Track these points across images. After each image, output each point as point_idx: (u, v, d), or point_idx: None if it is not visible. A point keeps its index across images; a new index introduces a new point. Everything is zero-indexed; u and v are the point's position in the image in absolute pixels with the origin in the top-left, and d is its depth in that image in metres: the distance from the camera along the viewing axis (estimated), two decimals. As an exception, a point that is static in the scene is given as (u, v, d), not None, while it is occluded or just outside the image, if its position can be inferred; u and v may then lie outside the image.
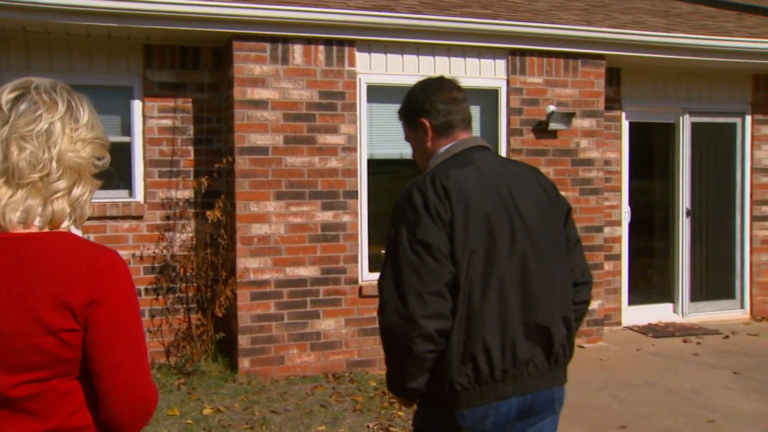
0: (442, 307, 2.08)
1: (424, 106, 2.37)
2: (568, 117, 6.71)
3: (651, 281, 8.12)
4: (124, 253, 5.88)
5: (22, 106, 1.47)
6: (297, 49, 5.99)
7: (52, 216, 1.46)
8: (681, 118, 7.93)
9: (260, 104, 5.90)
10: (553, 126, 6.70)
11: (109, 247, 1.53)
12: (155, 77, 6.14)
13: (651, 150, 8.13)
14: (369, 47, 6.24)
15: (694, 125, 7.99)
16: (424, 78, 2.49)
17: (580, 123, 6.92)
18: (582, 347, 6.90)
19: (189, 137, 6.22)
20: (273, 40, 5.91)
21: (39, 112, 1.47)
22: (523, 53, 6.69)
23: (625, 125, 7.72)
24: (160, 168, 6.16)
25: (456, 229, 2.11)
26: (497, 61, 6.66)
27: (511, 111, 6.69)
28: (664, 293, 8.07)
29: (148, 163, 6.14)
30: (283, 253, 6.00)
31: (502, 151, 6.70)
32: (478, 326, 2.11)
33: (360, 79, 6.20)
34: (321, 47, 6.05)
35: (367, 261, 6.26)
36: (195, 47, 6.21)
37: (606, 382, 5.80)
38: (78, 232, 1.57)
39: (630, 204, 7.79)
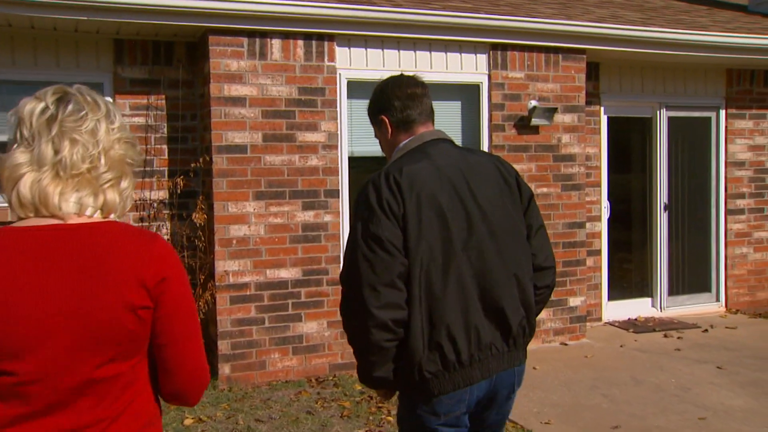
0: (396, 298, 2.18)
1: (384, 104, 2.49)
2: (550, 112, 6.63)
3: (630, 276, 8.12)
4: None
5: (70, 107, 1.56)
6: (275, 44, 5.79)
7: (104, 205, 1.57)
8: (658, 113, 7.93)
9: (238, 101, 5.69)
10: (535, 121, 6.62)
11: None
12: (126, 73, 5.88)
13: (628, 144, 8.11)
14: (349, 42, 6.07)
15: (670, 119, 8.00)
16: (387, 76, 2.60)
17: (562, 118, 6.85)
18: (566, 345, 6.85)
19: (163, 136, 5.98)
20: (250, 34, 5.70)
21: (84, 111, 1.56)
22: (504, 48, 6.59)
23: (604, 120, 7.68)
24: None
25: (409, 222, 2.21)
26: (478, 55, 6.55)
27: (492, 106, 6.59)
28: (643, 288, 8.08)
29: (120, 163, 5.88)
30: (263, 255, 5.80)
31: (484, 148, 6.60)
32: (441, 315, 2.21)
33: (340, 74, 6.03)
34: (300, 42, 5.86)
35: (350, 261, 6.10)
36: (168, 42, 5.97)
37: (594, 381, 5.74)
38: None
39: (609, 199, 7.76)
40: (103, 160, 1.56)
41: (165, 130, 5.99)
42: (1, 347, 1.42)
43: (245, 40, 5.69)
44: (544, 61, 6.76)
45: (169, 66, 5.99)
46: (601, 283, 7.71)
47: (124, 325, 1.48)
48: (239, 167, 5.71)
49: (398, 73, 2.68)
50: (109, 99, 1.81)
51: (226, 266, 5.70)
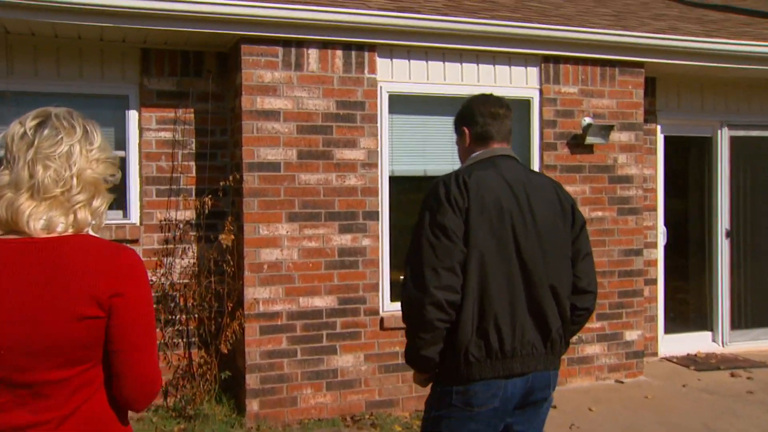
0: (453, 281, 2.37)
1: (468, 117, 2.75)
2: (606, 130, 6.13)
3: (688, 308, 7.53)
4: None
5: (45, 132, 1.68)
6: (312, 54, 5.38)
7: (76, 224, 1.68)
8: (719, 132, 7.37)
9: (271, 115, 5.28)
10: (590, 140, 6.12)
11: (125, 245, 1.75)
12: (153, 85, 5.51)
13: (686, 166, 7.56)
14: (391, 52, 5.64)
15: (732, 139, 7.43)
16: (478, 93, 2.87)
17: (618, 137, 6.33)
18: (621, 382, 6.28)
19: (191, 152, 5.58)
20: (286, 43, 5.30)
21: (60, 136, 1.68)
22: (557, 60, 6.11)
23: (660, 139, 7.15)
24: (159, 186, 5.51)
25: (471, 216, 2.42)
26: (529, 68, 6.08)
27: (544, 123, 6.10)
28: (702, 321, 7.47)
29: (145, 181, 5.50)
30: (296, 282, 5.35)
31: (535, 168, 6.10)
32: (490, 305, 2.40)
33: (381, 87, 5.60)
34: (338, 52, 5.44)
35: (389, 289, 5.63)
36: (198, 52, 5.59)
37: (659, 427, 5.17)
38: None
39: (665, 224, 7.20)
40: (75, 182, 1.68)
41: (193, 145, 5.59)
42: None
43: (280, 50, 5.29)
44: (600, 75, 6.27)
45: (198, 78, 5.60)
46: (657, 315, 7.14)
47: (73, 333, 1.60)
48: (272, 186, 5.28)
49: (486, 92, 2.88)
50: (91, 122, 1.81)
51: (256, 293, 5.25)
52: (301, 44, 5.33)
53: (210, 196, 5.44)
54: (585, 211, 6.22)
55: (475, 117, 2.70)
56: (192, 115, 5.59)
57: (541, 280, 2.48)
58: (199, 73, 5.61)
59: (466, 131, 2.73)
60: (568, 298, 2.56)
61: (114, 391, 1.70)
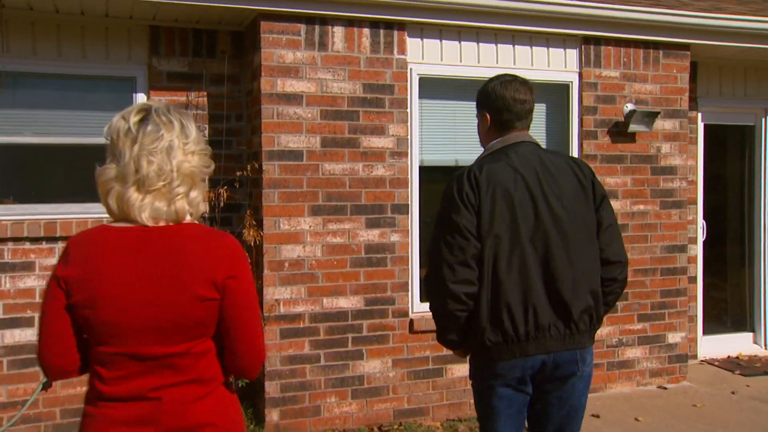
0: (469, 275, 2.55)
1: (488, 101, 2.79)
2: (650, 117, 5.69)
3: (727, 307, 7.10)
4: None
5: (148, 128, 1.83)
6: (337, 32, 4.92)
7: (176, 214, 1.85)
8: (763, 120, 6.92)
9: (293, 99, 4.83)
10: (633, 128, 5.67)
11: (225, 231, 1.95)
12: (163, 66, 5.05)
13: (726, 156, 7.12)
14: (421, 31, 5.19)
15: (776, 128, 6.99)
16: (502, 74, 2.87)
17: (662, 125, 5.89)
18: (664, 388, 5.86)
19: (204, 139, 5.12)
20: (309, 20, 4.84)
21: (161, 132, 1.83)
22: (597, 41, 5.66)
23: (701, 128, 6.71)
24: (169, 176, 5.05)
25: (483, 212, 2.56)
26: (568, 50, 5.62)
27: (584, 110, 5.65)
28: (743, 321, 7.05)
29: (154, 171, 5.04)
30: (320, 281, 4.91)
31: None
32: (503, 294, 2.55)
33: (411, 69, 5.14)
34: (366, 30, 4.99)
35: (419, 289, 5.19)
36: (211, 30, 5.13)
37: (716, 439, 4.75)
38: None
39: (704, 218, 6.77)
40: (175, 175, 1.83)
41: (206, 132, 5.14)
42: (103, 327, 1.79)
43: (303, 27, 4.83)
44: (642, 58, 5.82)
45: (212, 58, 5.14)
46: (696, 315, 6.71)
47: (194, 313, 1.81)
48: (293, 177, 4.84)
49: (510, 74, 2.86)
50: (187, 113, 1.91)
51: (276, 293, 4.81)
52: (325, 21, 4.87)
53: (225, 187, 4.99)
54: (626, 204, 5.78)
55: (497, 102, 2.73)
56: (205, 99, 5.13)
57: (560, 265, 2.58)
58: (213, 54, 5.15)
59: (488, 116, 2.78)
60: (596, 272, 2.65)
61: (227, 362, 1.90)
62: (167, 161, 1.80)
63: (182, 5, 4.60)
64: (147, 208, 1.80)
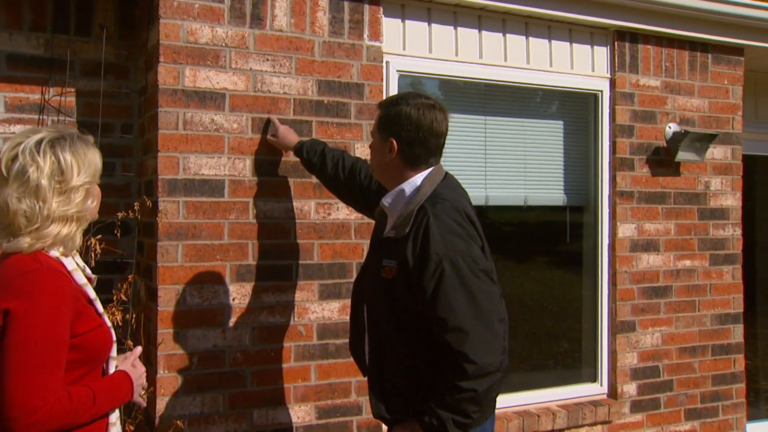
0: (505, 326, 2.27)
1: (397, 126, 2.29)
2: (703, 142, 4.21)
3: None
4: None
5: (15, 168, 1.79)
6: (280, 1, 3.23)
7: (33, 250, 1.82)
8: (807, 151, 5.59)
9: (209, 99, 3.09)
10: (681, 156, 4.18)
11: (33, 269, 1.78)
12: (5, 45, 3.23)
13: (759, 191, 5.76)
14: (402, 10, 3.56)
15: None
16: (416, 93, 2.38)
17: (711, 152, 4.42)
18: None
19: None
20: (236, -21, 3.14)
21: (27, 174, 1.78)
22: (634, 37, 4.17)
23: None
24: (10, 217, 3.21)
25: (484, 251, 2.29)
26: (596, 48, 4.10)
27: (617, 129, 4.13)
28: (785, 402, 5.62)
29: (-15, 209, 3.19)
30: (248, 384, 3.12)
31: (605, 195, 4.11)
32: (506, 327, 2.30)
33: (388, 63, 3.50)
34: (323, 1, 3.32)
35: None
36: (84, -5, 3.35)
37: None
38: (72, 259, 1.96)
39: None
40: (45, 216, 1.83)
41: (73, 150, 3.31)
42: None
43: (227, -10, 3.12)
44: (688, 63, 4.36)
45: (85, 37, 3.34)
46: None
47: None
48: (207, 221, 3.08)
49: (427, 95, 2.37)
50: (74, 136, 1.86)
51: (178, 407, 3.01)
52: (261, -17, 3.18)
53: (99, 236, 3.16)
54: (669, 259, 4.27)
55: (410, 132, 2.28)
56: (73, 99, 3.32)
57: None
58: (86, 30, 3.35)
59: (394, 144, 2.30)
60: None
61: None
62: (37, 205, 1.81)
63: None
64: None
